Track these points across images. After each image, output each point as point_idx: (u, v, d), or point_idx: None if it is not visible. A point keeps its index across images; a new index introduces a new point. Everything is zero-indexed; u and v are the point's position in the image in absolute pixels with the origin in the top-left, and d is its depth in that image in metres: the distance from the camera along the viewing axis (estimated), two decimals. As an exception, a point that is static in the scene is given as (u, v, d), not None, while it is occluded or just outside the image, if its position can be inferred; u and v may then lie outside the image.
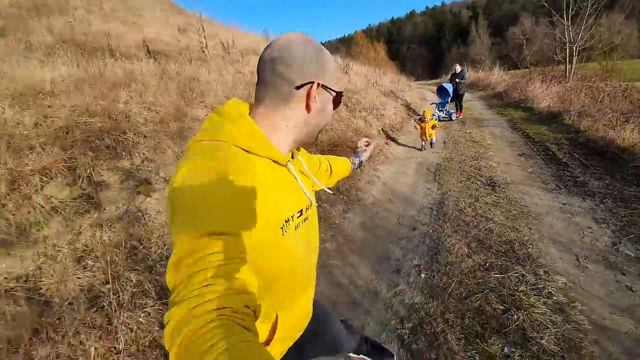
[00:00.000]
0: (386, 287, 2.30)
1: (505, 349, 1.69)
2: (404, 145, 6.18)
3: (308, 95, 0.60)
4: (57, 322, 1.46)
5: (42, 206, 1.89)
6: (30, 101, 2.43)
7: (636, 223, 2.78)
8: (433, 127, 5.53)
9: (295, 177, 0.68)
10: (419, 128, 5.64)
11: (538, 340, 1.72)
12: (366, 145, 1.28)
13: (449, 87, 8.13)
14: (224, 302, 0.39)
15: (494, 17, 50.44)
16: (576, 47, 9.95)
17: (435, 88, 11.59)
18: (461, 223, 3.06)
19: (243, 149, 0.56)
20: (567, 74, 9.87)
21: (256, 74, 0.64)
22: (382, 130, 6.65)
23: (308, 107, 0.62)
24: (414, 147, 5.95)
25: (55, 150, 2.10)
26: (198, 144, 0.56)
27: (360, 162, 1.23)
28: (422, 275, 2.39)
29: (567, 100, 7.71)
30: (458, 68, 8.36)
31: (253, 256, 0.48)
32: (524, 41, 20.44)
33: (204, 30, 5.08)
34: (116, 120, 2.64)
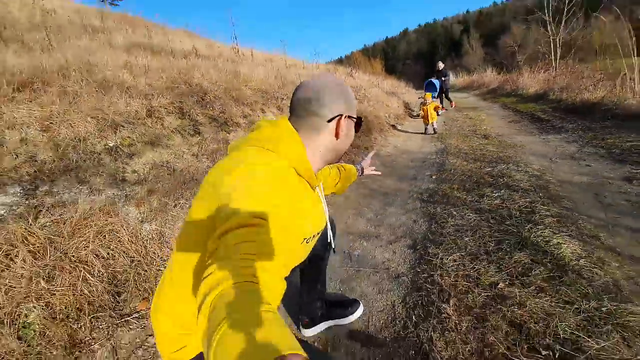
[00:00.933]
0: (407, 186, 3.11)
1: (493, 191, 2.48)
2: (406, 131, 7.07)
3: (338, 126, 0.73)
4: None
5: (167, 127, 2.79)
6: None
7: (597, 138, 3.59)
8: (435, 108, 5.67)
9: (322, 201, 0.85)
10: (422, 112, 5.88)
11: (517, 185, 2.51)
12: (371, 162, 1.40)
13: (437, 82, 8.39)
14: (259, 272, 0.42)
15: (485, 29, 52.80)
16: (559, 39, 10.99)
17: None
18: (461, 153, 3.89)
19: (293, 167, 0.69)
20: (554, 64, 10.84)
21: (290, 106, 0.77)
22: (388, 116, 7.56)
23: (337, 135, 0.74)
24: (418, 132, 6.25)
25: (169, 97, 3.03)
26: (256, 149, 0.67)
27: (362, 170, 1.33)
28: (433, 177, 3.20)
29: (552, 82, 8.61)
30: (441, 65, 8.67)
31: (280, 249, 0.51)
32: (517, 48, 21.40)
33: (236, 39, 6.23)
34: (195, 87, 3.61)
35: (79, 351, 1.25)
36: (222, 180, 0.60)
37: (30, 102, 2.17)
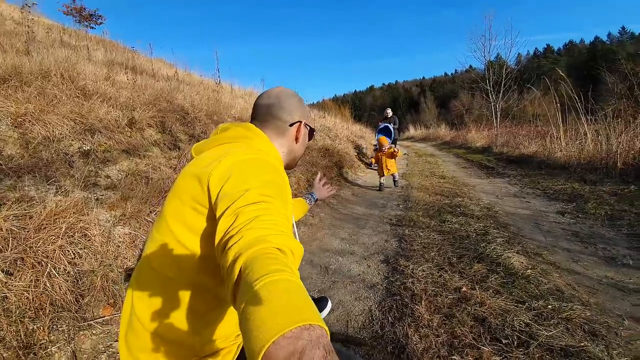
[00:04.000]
0: (378, 212, 3.32)
1: (452, 218, 2.75)
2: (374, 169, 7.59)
3: (298, 130, 0.80)
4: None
5: (147, 139, 2.78)
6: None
7: (533, 182, 4.20)
8: (392, 155, 4.34)
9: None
10: (374, 160, 4.73)
11: (472, 214, 2.83)
12: (321, 183, 1.38)
13: (392, 128, 7.07)
14: (283, 239, 0.43)
15: (439, 93, 60.20)
16: (499, 105, 13.01)
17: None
18: (423, 189, 4.27)
19: None
20: (495, 124, 12.64)
21: (252, 113, 0.82)
22: (357, 154, 8.08)
23: (297, 139, 0.81)
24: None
25: (151, 111, 3.05)
26: (231, 145, 0.70)
27: (316, 200, 1.34)
28: (400, 206, 3.45)
29: (494, 139, 9.97)
30: (389, 112, 7.63)
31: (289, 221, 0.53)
32: (465, 110, 24.64)
33: (218, 71, 6.52)
34: (177, 107, 3.67)
35: (34, 354, 1.12)
36: (211, 170, 0.57)
37: (5, 98, 2.08)
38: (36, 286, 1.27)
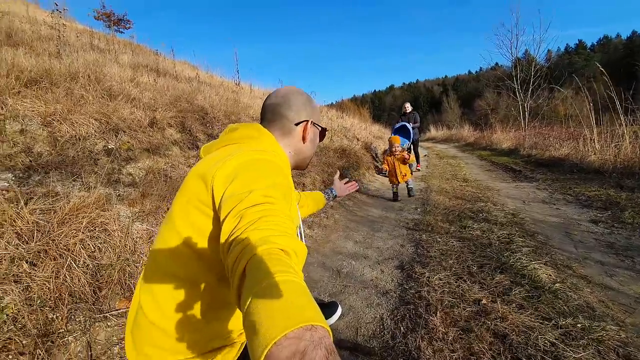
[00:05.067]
0: (394, 215, 3.23)
1: (474, 224, 2.62)
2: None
3: (305, 130, 0.79)
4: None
5: (168, 138, 2.86)
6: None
7: (564, 187, 3.92)
8: (404, 161, 3.86)
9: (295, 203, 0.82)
10: (386, 166, 3.97)
11: (495, 220, 2.68)
12: (343, 181, 1.41)
13: (410, 128, 6.34)
14: (287, 240, 0.43)
15: (462, 92, 58.30)
16: (527, 105, 12.35)
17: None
18: (443, 192, 4.11)
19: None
20: (523, 125, 12.02)
21: (260, 113, 0.82)
22: (375, 155, 7.95)
23: (304, 139, 0.80)
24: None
25: (172, 112, 3.14)
26: (238, 146, 0.70)
27: (335, 196, 1.34)
28: (418, 209, 3.34)
29: (522, 140, 9.48)
30: (409, 107, 6.64)
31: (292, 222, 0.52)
32: (490, 110, 23.63)
33: (238, 72, 6.65)
34: (197, 107, 3.76)
35: (51, 342, 1.17)
36: (215, 171, 0.57)
37: (36, 98, 2.21)
38: (57, 277, 1.32)
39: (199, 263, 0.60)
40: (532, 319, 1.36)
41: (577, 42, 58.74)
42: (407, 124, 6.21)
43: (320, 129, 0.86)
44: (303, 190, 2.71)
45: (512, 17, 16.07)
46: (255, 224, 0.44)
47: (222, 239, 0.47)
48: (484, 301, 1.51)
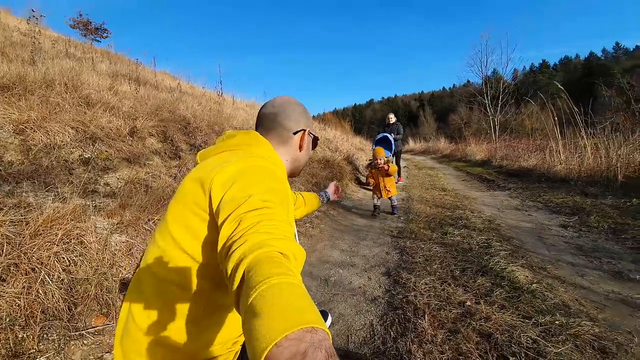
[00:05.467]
0: (378, 224, 3.28)
1: (454, 230, 2.72)
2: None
3: (302, 139, 0.81)
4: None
5: (148, 148, 2.78)
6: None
7: (534, 195, 4.17)
8: (387, 173, 3.64)
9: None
10: (371, 179, 3.85)
11: (474, 226, 2.79)
12: (335, 191, 1.45)
13: (392, 139, 6.13)
14: (286, 243, 0.43)
15: (437, 107, 61.02)
16: (497, 119, 13.16)
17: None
18: (424, 201, 4.24)
19: None
20: (494, 137, 12.75)
21: (256, 122, 0.83)
22: (358, 166, 8.09)
23: (301, 147, 0.82)
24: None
25: (153, 121, 3.06)
26: (233, 152, 0.70)
27: (329, 199, 1.39)
28: (401, 218, 3.41)
29: (494, 152, 10.02)
30: (393, 118, 6.52)
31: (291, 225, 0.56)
32: (463, 124, 24.90)
33: (221, 83, 6.62)
34: (179, 117, 3.70)
35: (21, 364, 1.08)
36: (214, 176, 0.58)
37: (8, 105, 2.10)
38: (28, 293, 1.23)
39: (194, 268, 0.60)
40: (514, 318, 1.42)
41: (541, 62, 63.67)
42: (389, 135, 6.15)
43: (313, 137, 0.88)
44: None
45: (481, 39, 17.30)
46: (254, 228, 0.45)
47: (220, 243, 0.47)
48: (468, 303, 1.56)
